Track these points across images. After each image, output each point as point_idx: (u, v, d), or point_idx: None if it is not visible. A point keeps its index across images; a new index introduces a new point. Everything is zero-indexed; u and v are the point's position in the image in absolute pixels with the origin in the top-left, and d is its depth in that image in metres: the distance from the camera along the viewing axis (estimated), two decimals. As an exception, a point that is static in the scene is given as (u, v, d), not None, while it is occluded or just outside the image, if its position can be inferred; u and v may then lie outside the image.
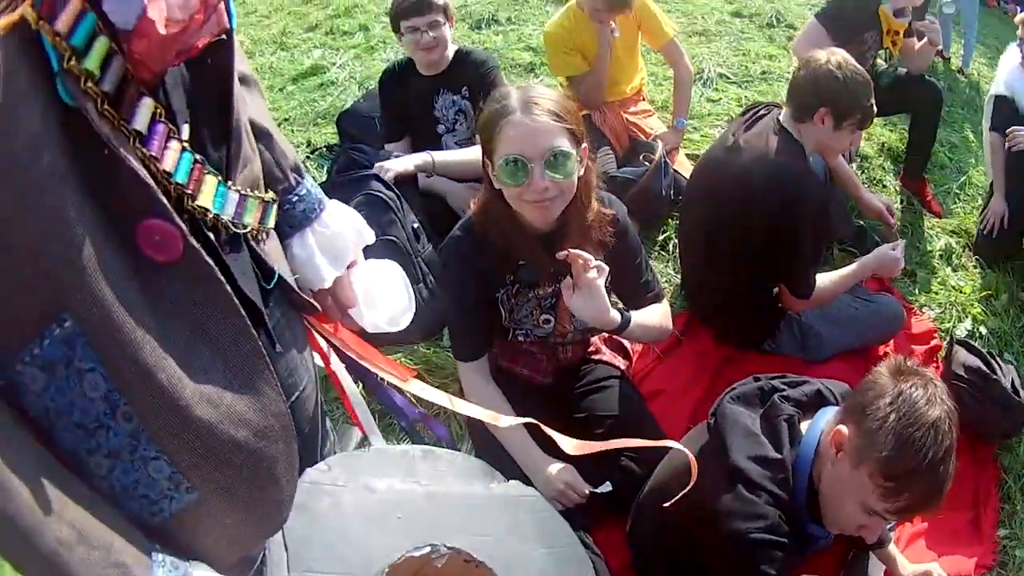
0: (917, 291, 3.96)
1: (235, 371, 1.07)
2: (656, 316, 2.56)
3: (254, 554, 1.29)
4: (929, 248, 4.27)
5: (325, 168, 4.52)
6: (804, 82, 2.91)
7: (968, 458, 3.10)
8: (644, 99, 4.46)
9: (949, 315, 3.85)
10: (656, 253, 3.91)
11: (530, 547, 1.56)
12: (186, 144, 1.03)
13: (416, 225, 3.32)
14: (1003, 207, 4.14)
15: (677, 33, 4.27)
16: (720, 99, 5.23)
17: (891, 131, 5.12)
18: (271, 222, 1.30)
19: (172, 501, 1.03)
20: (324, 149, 4.77)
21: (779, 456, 1.87)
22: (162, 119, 0.98)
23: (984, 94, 6.32)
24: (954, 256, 4.28)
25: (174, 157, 1.00)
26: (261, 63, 6.35)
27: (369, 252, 3.00)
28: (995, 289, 4.05)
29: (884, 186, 4.66)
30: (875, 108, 2.94)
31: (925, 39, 4.28)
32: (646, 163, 3.79)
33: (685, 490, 1.75)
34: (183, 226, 0.97)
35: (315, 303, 1.48)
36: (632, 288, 2.58)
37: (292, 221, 1.45)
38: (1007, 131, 4.08)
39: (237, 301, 1.05)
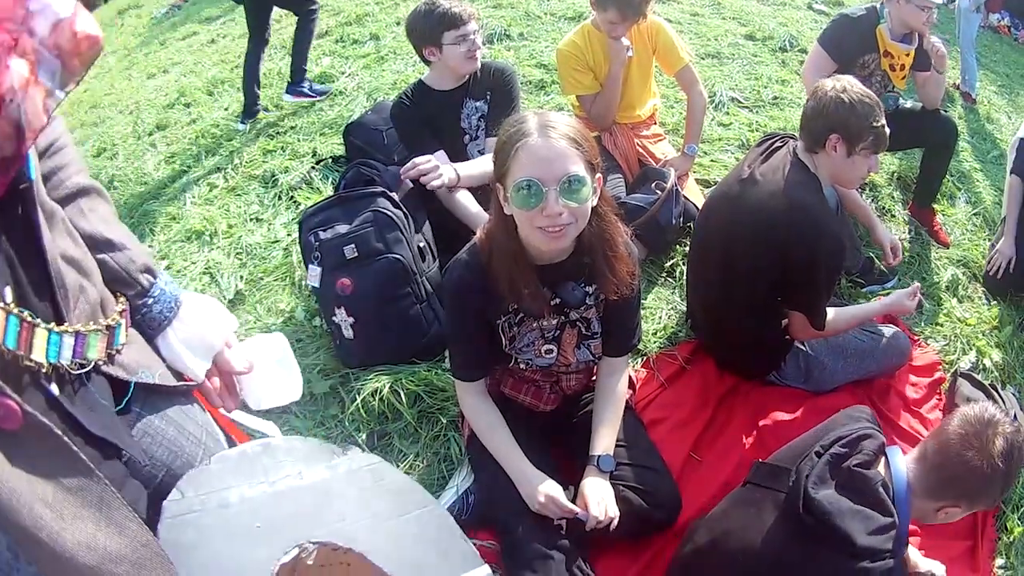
0: (922, 323, 3.95)
1: (98, 513, 1.15)
2: (618, 414, 2.61)
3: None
4: (935, 279, 4.26)
5: (330, 180, 4.52)
6: (812, 112, 2.89)
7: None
8: (656, 123, 4.44)
9: (953, 347, 3.84)
10: (663, 279, 3.90)
11: (386, 516, 1.60)
12: (10, 307, 1.07)
13: (422, 244, 3.31)
14: (1011, 251, 4.15)
15: (693, 59, 4.24)
16: (731, 123, 5.23)
17: (901, 160, 5.11)
18: (123, 337, 1.34)
19: None
20: (329, 160, 4.74)
21: (891, 519, 2.01)
22: None
23: (995, 123, 6.33)
24: (960, 287, 4.27)
25: (0, 324, 1.05)
26: (270, 68, 6.35)
27: (376, 270, 3.02)
28: (1000, 321, 4.05)
29: (893, 215, 4.65)
30: (887, 130, 2.89)
31: (932, 71, 4.24)
32: (657, 191, 3.76)
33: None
34: (17, 398, 1.04)
35: (185, 383, 1.55)
36: (623, 328, 2.57)
37: (152, 323, 1.49)
38: None
39: (77, 450, 1.12)
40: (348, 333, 3.19)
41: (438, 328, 3.22)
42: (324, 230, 3.24)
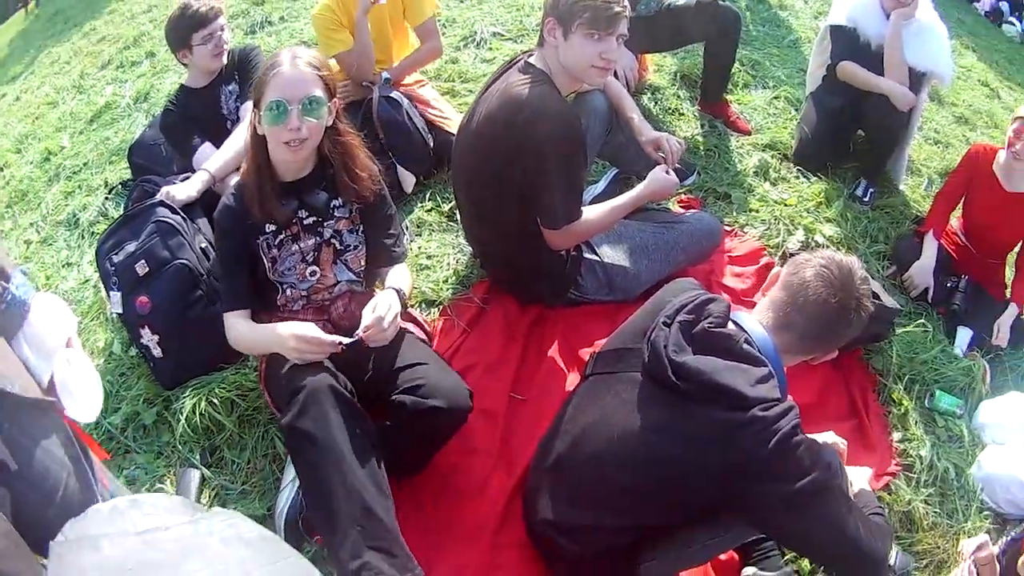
0: (735, 212, 3.96)
1: None
2: (406, 278, 2.75)
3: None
4: (741, 168, 4.27)
5: (123, 206, 4.38)
6: None
7: (832, 367, 3.12)
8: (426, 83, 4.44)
9: (776, 230, 3.86)
10: (445, 224, 3.82)
11: (252, 566, 1.65)
12: None
13: (204, 245, 3.28)
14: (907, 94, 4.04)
15: (438, 12, 4.23)
16: (495, 58, 5.11)
17: (683, 59, 5.09)
18: None
19: None
20: (119, 187, 4.63)
21: (766, 369, 1.97)
22: None
23: (788, 9, 6.41)
24: (771, 170, 4.29)
25: None
26: (63, 111, 6.20)
27: (165, 280, 3.09)
28: (826, 196, 4.07)
29: (682, 114, 4.64)
30: (612, 7, 2.67)
31: None
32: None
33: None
34: None
35: (46, 398, 1.58)
36: (385, 237, 2.74)
37: (5, 329, 1.54)
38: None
39: None
40: (157, 352, 3.13)
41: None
42: (116, 253, 3.23)
